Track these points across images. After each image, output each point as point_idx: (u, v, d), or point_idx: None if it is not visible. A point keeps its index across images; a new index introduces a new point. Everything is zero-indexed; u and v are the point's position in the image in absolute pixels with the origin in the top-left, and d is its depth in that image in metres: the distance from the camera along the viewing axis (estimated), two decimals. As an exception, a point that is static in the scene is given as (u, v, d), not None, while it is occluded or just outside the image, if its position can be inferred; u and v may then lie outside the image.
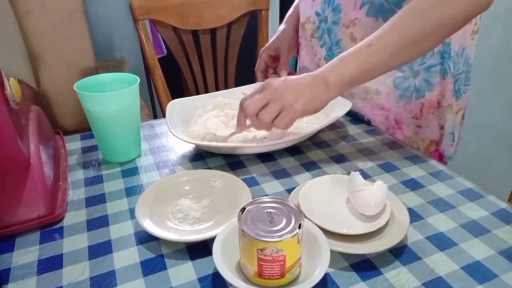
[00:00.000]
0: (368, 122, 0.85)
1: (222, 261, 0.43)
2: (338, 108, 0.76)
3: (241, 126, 0.67)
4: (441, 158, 0.88)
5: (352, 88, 0.68)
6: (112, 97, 0.64)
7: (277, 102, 0.62)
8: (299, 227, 0.41)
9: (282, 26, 0.96)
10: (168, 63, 1.43)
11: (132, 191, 0.62)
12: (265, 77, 0.93)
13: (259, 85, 0.66)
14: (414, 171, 0.66)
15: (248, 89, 0.87)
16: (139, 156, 0.72)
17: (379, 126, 0.84)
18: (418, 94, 0.81)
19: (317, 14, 0.84)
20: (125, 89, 0.64)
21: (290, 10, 0.98)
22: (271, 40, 0.96)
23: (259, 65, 0.94)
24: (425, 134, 0.85)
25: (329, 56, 0.85)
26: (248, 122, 0.66)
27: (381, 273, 0.46)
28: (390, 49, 0.60)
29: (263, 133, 0.72)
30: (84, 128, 0.84)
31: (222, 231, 0.47)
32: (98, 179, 0.65)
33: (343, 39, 0.81)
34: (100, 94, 0.63)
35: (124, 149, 0.70)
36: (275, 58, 0.95)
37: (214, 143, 0.70)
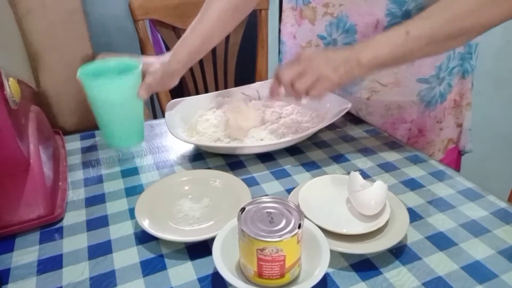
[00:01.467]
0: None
1: (222, 261, 0.43)
2: (337, 108, 0.76)
3: (273, 94, 0.68)
4: (459, 154, 0.88)
5: (381, 70, 0.67)
6: (114, 83, 0.64)
7: (314, 72, 0.62)
8: (299, 227, 0.41)
9: (167, 60, 0.75)
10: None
11: (132, 191, 0.62)
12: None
13: (296, 56, 0.65)
14: (414, 171, 0.66)
15: (248, 89, 0.87)
16: (142, 140, 0.73)
17: (400, 139, 0.81)
18: (442, 99, 0.80)
19: (321, 37, 0.81)
20: (127, 75, 0.64)
21: (179, 44, 0.77)
22: (150, 60, 0.75)
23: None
24: (445, 134, 0.85)
25: None
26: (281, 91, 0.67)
27: (381, 273, 0.46)
28: (426, 40, 0.60)
29: (263, 133, 0.72)
30: (84, 128, 0.84)
31: (222, 231, 0.47)
32: (98, 179, 0.65)
33: None
34: (102, 81, 0.63)
35: (127, 134, 0.70)
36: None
37: (214, 144, 0.70)
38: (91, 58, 0.87)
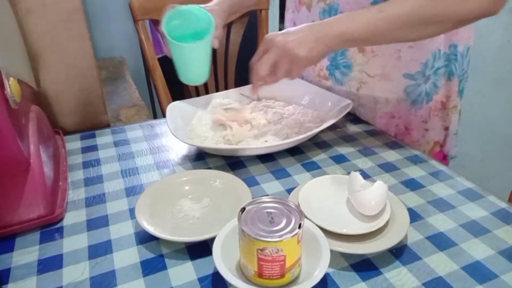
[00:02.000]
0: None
1: (222, 261, 0.43)
2: (338, 108, 0.76)
3: (255, 89, 0.69)
4: (444, 158, 0.88)
5: (349, 46, 0.67)
6: (196, 44, 0.70)
7: (286, 56, 0.62)
8: (299, 227, 0.41)
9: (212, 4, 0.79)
10: (168, 63, 1.43)
11: (132, 191, 0.62)
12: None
13: (262, 44, 0.66)
14: (414, 171, 0.66)
15: (247, 89, 0.87)
16: (208, 77, 0.76)
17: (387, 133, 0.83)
18: (428, 98, 0.81)
19: None
20: (206, 36, 0.69)
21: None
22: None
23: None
24: (430, 136, 0.85)
25: (333, 66, 0.85)
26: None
27: (381, 273, 0.46)
28: (400, 20, 0.60)
29: (266, 134, 0.72)
30: (84, 128, 0.84)
31: (222, 231, 0.47)
32: (98, 179, 0.65)
33: (349, 49, 0.80)
34: (187, 44, 0.70)
35: (200, 73, 0.75)
36: None
37: (215, 145, 0.70)
38: (91, 58, 0.87)
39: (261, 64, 0.64)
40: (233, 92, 0.87)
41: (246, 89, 0.87)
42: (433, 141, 0.86)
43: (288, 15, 0.93)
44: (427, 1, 0.59)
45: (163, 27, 0.70)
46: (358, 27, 0.61)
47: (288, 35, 0.63)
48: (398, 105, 0.82)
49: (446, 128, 0.85)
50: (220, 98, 0.85)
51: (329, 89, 0.86)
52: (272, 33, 0.65)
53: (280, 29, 0.95)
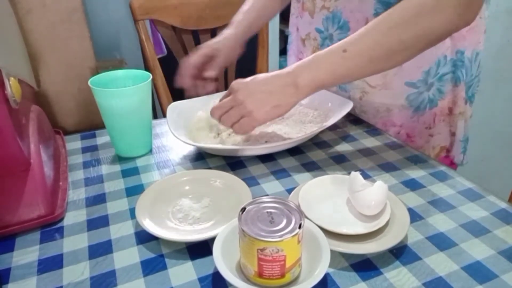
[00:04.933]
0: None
1: (222, 261, 0.43)
2: (339, 109, 0.76)
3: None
4: (452, 164, 0.87)
5: (321, 90, 0.65)
6: (125, 93, 0.65)
7: (238, 109, 0.63)
8: (299, 227, 0.41)
9: (228, 30, 0.88)
10: (168, 63, 1.43)
11: (132, 191, 0.62)
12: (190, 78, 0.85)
13: (229, 88, 0.66)
14: (414, 171, 0.66)
15: None
16: (150, 151, 0.73)
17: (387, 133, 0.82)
18: (432, 104, 0.80)
19: (319, 31, 0.82)
20: (138, 85, 0.65)
21: (239, 16, 0.90)
22: (215, 39, 0.87)
23: (195, 58, 0.83)
24: (436, 141, 0.84)
25: None
26: None
27: (381, 273, 0.46)
28: (365, 57, 0.59)
29: (267, 135, 0.72)
30: (84, 128, 0.84)
31: (222, 231, 0.47)
32: (98, 179, 0.65)
33: None
34: (113, 90, 0.65)
35: (136, 144, 0.71)
36: (210, 58, 0.85)
37: (215, 146, 0.70)
38: (91, 58, 0.88)
39: (218, 106, 0.66)
40: None
41: None
42: (439, 146, 0.85)
43: (292, 20, 0.93)
44: (388, 32, 0.57)
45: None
46: (325, 73, 0.60)
47: (253, 91, 0.62)
48: (400, 113, 0.81)
49: (453, 134, 0.83)
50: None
51: (334, 93, 0.85)
52: (239, 81, 0.64)
53: (280, 30, 0.96)
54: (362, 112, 0.85)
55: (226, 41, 0.86)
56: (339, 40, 0.75)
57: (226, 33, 0.87)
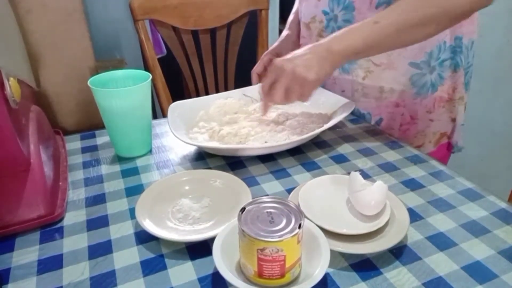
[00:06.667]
0: (377, 123, 0.86)
1: (222, 261, 0.43)
2: (341, 109, 0.76)
3: (266, 108, 0.73)
4: (449, 149, 0.89)
5: (353, 59, 0.70)
6: (125, 93, 0.65)
7: (296, 82, 0.64)
8: (299, 227, 0.41)
9: (285, 32, 0.98)
10: (168, 63, 1.43)
11: (132, 191, 0.62)
12: (260, 80, 0.92)
13: (271, 71, 0.67)
14: (414, 171, 0.66)
15: (249, 90, 0.87)
16: (150, 151, 0.73)
17: (391, 123, 0.85)
18: (433, 89, 0.82)
19: (325, 13, 0.84)
20: (137, 85, 0.66)
21: (290, 17, 0.99)
22: (274, 44, 0.97)
23: (257, 67, 0.93)
24: (436, 127, 0.86)
25: None
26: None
27: (381, 273, 0.46)
28: (395, 27, 0.63)
29: (267, 135, 0.72)
30: (84, 128, 0.84)
31: (222, 231, 0.47)
32: (98, 179, 0.65)
33: None
34: (113, 90, 0.65)
35: (136, 144, 0.71)
36: None
37: (215, 145, 0.70)
38: (91, 58, 0.87)
39: (275, 92, 0.67)
40: (236, 93, 0.87)
41: (249, 89, 0.87)
42: (439, 132, 0.87)
43: (297, 2, 0.97)
44: (418, 4, 0.62)
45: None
46: (357, 41, 0.64)
47: (295, 60, 0.65)
48: (403, 94, 0.83)
49: (454, 120, 0.86)
50: (222, 99, 0.84)
51: (334, 79, 0.88)
52: (280, 59, 0.67)
53: (280, 30, 0.96)
54: (363, 95, 0.86)
55: (283, 44, 0.96)
56: (344, 20, 0.81)
57: (282, 36, 0.97)
